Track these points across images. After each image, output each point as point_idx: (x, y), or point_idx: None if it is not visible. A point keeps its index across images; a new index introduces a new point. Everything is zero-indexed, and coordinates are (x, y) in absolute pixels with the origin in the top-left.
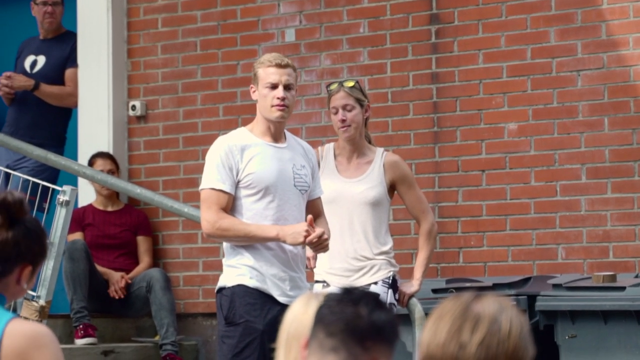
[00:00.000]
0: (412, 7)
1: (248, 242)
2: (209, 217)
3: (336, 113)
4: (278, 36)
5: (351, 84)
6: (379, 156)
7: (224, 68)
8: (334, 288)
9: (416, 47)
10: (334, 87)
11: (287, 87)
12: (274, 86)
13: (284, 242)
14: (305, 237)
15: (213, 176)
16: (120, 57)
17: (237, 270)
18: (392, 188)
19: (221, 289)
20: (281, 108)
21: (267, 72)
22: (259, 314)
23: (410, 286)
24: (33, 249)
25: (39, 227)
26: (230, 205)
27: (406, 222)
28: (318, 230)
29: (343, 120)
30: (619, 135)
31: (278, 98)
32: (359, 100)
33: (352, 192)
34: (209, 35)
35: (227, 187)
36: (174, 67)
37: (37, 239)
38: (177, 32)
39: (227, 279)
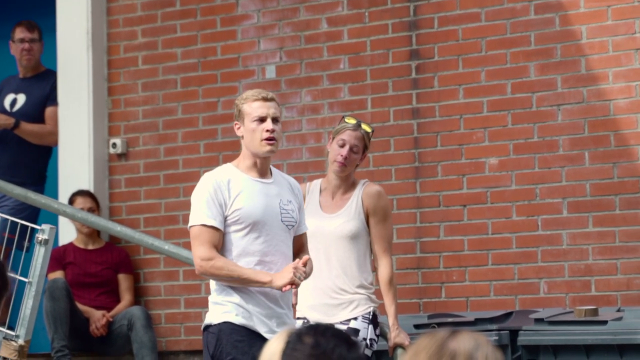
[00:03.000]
0: (392, 43)
1: (239, 284)
2: (202, 254)
3: (342, 146)
4: (259, 73)
5: (369, 129)
6: (359, 188)
7: (204, 105)
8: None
9: (397, 83)
10: (352, 122)
11: (274, 120)
12: (262, 119)
13: (275, 287)
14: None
15: (203, 212)
16: (100, 95)
17: (224, 307)
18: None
19: (207, 327)
20: (271, 142)
21: (253, 107)
22: (246, 350)
23: (394, 337)
24: None
25: None
26: (221, 242)
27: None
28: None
29: (345, 158)
30: (599, 169)
31: (267, 131)
32: (365, 148)
33: (329, 227)
34: (190, 72)
35: (218, 224)
36: (155, 104)
37: None
38: (158, 69)
39: (214, 316)
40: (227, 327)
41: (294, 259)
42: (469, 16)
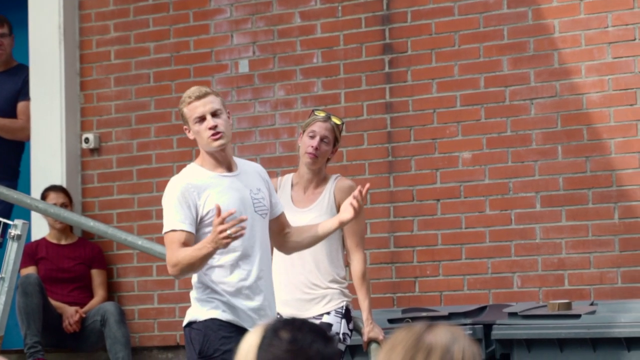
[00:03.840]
0: (365, 37)
1: (200, 266)
2: (167, 258)
3: (312, 137)
4: (232, 67)
5: (339, 122)
6: (331, 183)
7: (177, 100)
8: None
9: (370, 77)
10: (322, 114)
11: (214, 115)
12: (202, 119)
13: (218, 248)
14: (224, 237)
15: (172, 217)
16: (72, 90)
17: (209, 304)
18: None
19: (191, 323)
20: (217, 136)
21: (191, 109)
22: (234, 346)
23: (369, 331)
24: None
25: None
26: (191, 243)
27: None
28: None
29: (316, 149)
30: (572, 163)
31: (210, 129)
32: (335, 140)
33: (301, 221)
34: (162, 67)
35: (187, 226)
36: (127, 99)
37: None
38: (130, 64)
39: (198, 313)
40: (214, 324)
41: (279, 240)
42: (442, 10)
